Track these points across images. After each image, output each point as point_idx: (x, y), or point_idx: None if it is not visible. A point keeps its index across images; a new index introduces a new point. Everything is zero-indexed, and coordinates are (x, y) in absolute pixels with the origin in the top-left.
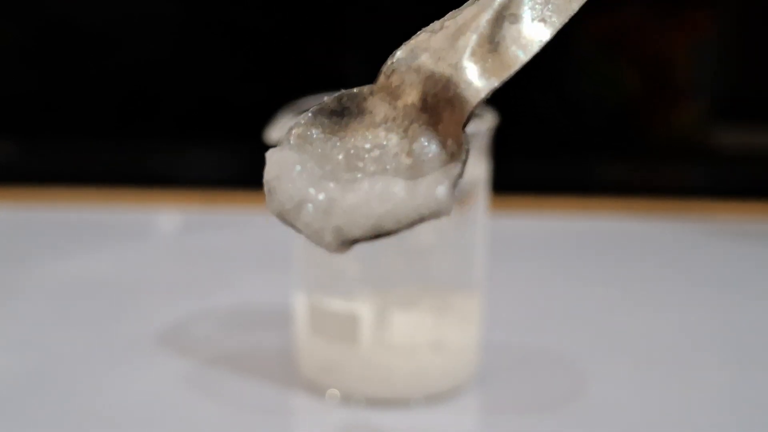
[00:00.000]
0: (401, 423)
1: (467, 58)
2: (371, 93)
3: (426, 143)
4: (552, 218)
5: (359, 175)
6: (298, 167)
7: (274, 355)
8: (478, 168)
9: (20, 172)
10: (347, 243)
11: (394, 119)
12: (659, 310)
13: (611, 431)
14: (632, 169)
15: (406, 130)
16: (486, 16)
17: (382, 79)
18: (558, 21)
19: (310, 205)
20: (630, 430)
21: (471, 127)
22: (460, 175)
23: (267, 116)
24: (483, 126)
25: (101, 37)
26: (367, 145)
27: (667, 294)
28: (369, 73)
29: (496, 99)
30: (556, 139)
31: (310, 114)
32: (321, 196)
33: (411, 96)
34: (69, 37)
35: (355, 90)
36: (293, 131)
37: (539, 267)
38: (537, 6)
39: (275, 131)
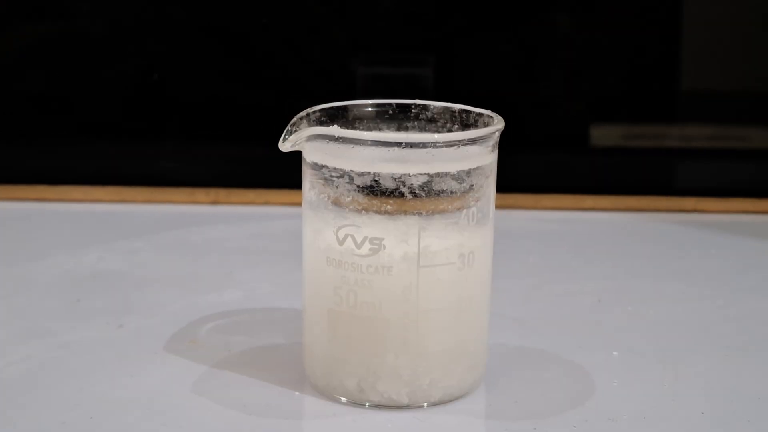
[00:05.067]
0: (410, 426)
1: None
2: None
3: None
4: (551, 216)
5: None
6: None
7: (282, 355)
8: (487, 169)
9: (34, 168)
10: None
11: None
12: (664, 308)
13: (621, 431)
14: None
15: None
16: None
17: None
18: None
19: None
20: (639, 429)
21: (483, 131)
22: None
23: (271, 117)
24: (492, 129)
25: (109, 39)
26: None
27: (674, 291)
28: (369, 75)
29: (496, 97)
30: (554, 135)
31: None
32: None
33: None
34: (78, 39)
35: None
36: None
37: (537, 265)
38: None
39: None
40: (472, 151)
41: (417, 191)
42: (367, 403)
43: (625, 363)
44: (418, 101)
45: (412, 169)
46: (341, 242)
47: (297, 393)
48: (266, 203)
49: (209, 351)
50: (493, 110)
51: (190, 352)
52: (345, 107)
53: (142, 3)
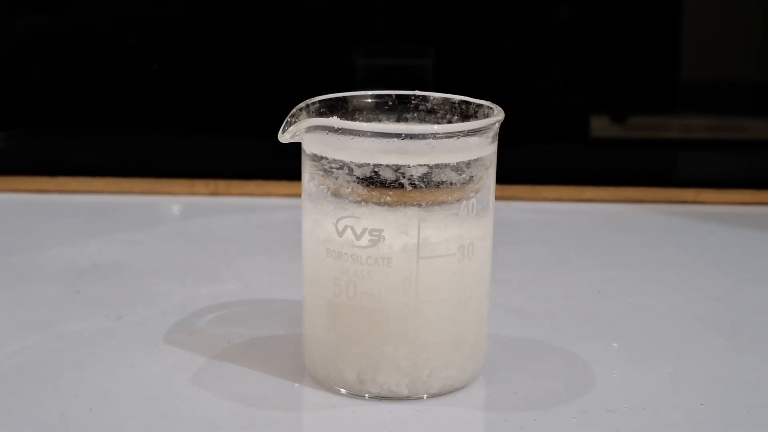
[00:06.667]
0: (410, 417)
1: None
2: None
3: None
4: (551, 207)
5: None
6: None
7: (282, 346)
8: (486, 160)
9: (35, 160)
10: None
11: None
12: (664, 299)
13: (620, 422)
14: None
15: None
16: None
17: None
18: None
19: None
20: (638, 420)
21: (482, 122)
22: None
23: (271, 108)
24: (492, 120)
25: (108, 32)
26: None
27: (674, 282)
28: (369, 66)
29: (495, 88)
30: (554, 127)
31: None
32: None
33: None
34: (77, 31)
35: None
36: None
37: (537, 256)
38: None
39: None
40: (471, 142)
41: (417, 182)
42: (366, 395)
43: (624, 354)
44: (417, 92)
45: (412, 161)
46: (341, 233)
47: (296, 384)
48: (266, 194)
49: (208, 342)
50: (493, 101)
51: (189, 344)
52: (344, 98)
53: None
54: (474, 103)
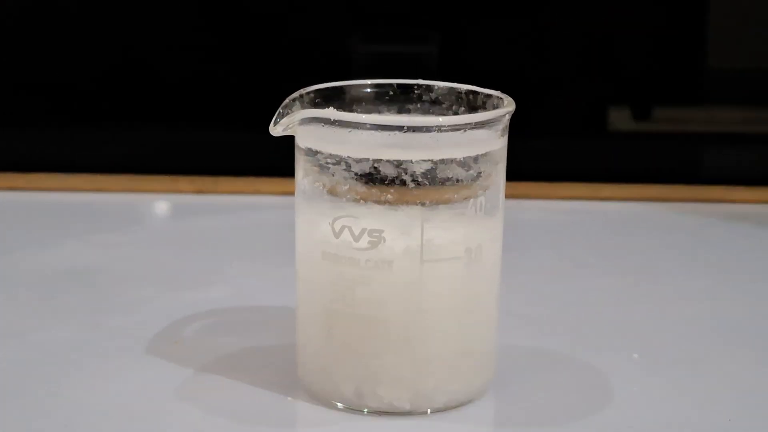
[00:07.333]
0: None
1: None
2: None
3: None
4: (565, 207)
5: None
6: None
7: (274, 357)
8: (496, 155)
9: (4, 156)
10: None
11: None
12: (689, 306)
13: None
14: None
15: None
16: None
17: None
18: None
19: None
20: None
21: (491, 114)
22: None
23: (262, 98)
24: (502, 111)
25: (85, 16)
26: None
27: (700, 288)
28: (369, 53)
29: (505, 77)
30: (569, 119)
31: None
32: None
33: None
34: (51, 16)
35: None
36: None
37: (550, 260)
38: None
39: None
40: (479, 135)
41: (420, 179)
42: (365, 410)
43: (645, 366)
44: (421, 81)
45: (415, 155)
46: (338, 235)
47: (289, 398)
48: (256, 192)
49: (195, 353)
50: (503, 91)
51: (173, 354)
52: (342, 88)
53: None
54: (482, 93)
